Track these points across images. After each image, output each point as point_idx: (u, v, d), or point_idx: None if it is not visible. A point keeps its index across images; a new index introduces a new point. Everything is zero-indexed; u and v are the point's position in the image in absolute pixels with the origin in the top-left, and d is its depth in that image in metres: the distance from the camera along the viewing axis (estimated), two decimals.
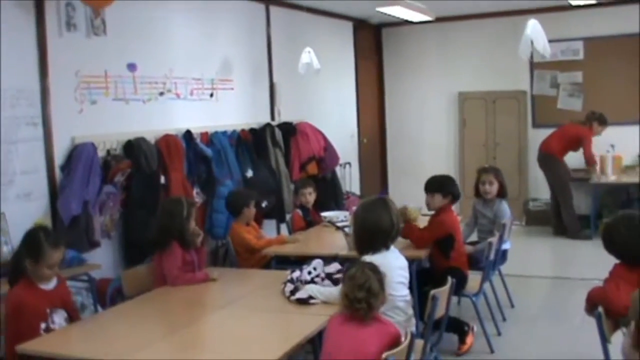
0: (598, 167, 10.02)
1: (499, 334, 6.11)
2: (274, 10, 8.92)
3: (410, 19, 10.46)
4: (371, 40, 11.97)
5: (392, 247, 4.31)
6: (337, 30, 10.84)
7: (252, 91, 8.53)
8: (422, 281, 5.33)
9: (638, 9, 10.44)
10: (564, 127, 10.01)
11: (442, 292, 4.17)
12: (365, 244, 4.25)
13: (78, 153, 5.75)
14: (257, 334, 3.84)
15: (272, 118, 8.81)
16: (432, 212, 5.90)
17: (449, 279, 4.34)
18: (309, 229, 6.84)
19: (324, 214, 6.94)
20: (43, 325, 3.99)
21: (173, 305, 4.48)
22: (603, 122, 9.79)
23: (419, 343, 4.05)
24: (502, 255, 6.57)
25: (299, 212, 7.13)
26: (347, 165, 10.52)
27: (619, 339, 3.18)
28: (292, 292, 4.27)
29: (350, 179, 10.65)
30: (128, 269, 5.49)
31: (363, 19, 11.35)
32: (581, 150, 9.76)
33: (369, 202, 4.45)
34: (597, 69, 10.87)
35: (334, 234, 6.32)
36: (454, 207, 6.05)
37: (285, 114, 8.99)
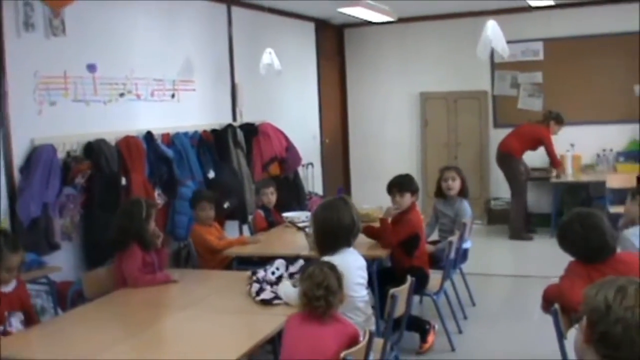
0: (562, 168, 10.13)
1: (460, 332, 6.18)
2: (236, 10, 8.91)
3: (372, 19, 10.48)
4: (333, 40, 12.00)
5: (351, 249, 4.31)
6: (299, 31, 10.86)
7: (214, 92, 8.51)
8: (384, 280, 5.35)
9: (595, 10, 10.63)
10: (521, 127, 10.10)
11: (401, 291, 4.19)
12: (326, 244, 4.26)
13: (37, 155, 5.70)
14: (217, 334, 3.84)
15: (234, 119, 8.80)
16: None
17: (408, 278, 4.37)
18: (270, 230, 6.82)
19: (286, 214, 6.95)
20: (0, 328, 3.95)
21: (134, 307, 4.45)
22: (560, 121, 9.89)
23: (379, 342, 4.07)
24: (463, 254, 6.63)
25: (261, 212, 7.12)
26: (310, 166, 10.55)
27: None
28: (258, 293, 4.27)
29: (312, 180, 10.68)
30: (89, 271, 5.44)
31: (325, 19, 11.38)
32: (541, 149, 9.84)
33: (329, 202, 4.47)
34: (557, 70, 11.01)
35: (295, 234, 6.35)
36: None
37: (247, 115, 8.98)
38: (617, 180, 9.34)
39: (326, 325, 3.44)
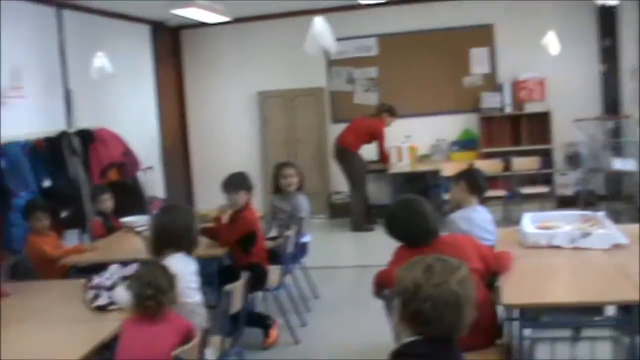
0: (395, 158, 10.44)
1: (304, 324, 6.29)
2: (67, 14, 8.72)
3: (207, 20, 10.45)
4: (170, 42, 11.91)
5: (181, 254, 4.27)
6: (134, 34, 10.74)
7: (46, 98, 8.31)
8: (224, 279, 5.38)
9: (426, 7, 11.09)
10: (356, 121, 10.34)
11: (235, 288, 4.25)
12: (159, 247, 4.27)
13: None
14: (51, 345, 3.77)
15: (69, 125, 8.61)
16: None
17: (242, 274, 4.43)
18: (110, 236, 6.74)
19: (124, 219, 6.88)
20: None
21: None
22: (393, 113, 10.20)
23: (218, 339, 4.11)
24: (303, 248, 6.75)
25: (99, 219, 7.00)
26: (150, 170, 10.43)
27: None
28: (94, 300, 4.23)
29: (153, 183, 10.57)
30: None
31: (160, 21, 11.28)
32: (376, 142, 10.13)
33: (166, 205, 4.50)
34: (391, 64, 11.38)
35: (134, 239, 6.29)
36: None
37: (83, 121, 8.80)
38: (451, 168, 9.66)
39: (159, 324, 3.47)
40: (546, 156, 10.68)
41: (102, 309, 4.12)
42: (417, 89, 11.30)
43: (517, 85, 10.84)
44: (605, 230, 4.89)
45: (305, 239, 6.79)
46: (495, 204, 10.47)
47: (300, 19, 11.06)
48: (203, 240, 5.61)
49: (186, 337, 3.45)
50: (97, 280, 4.45)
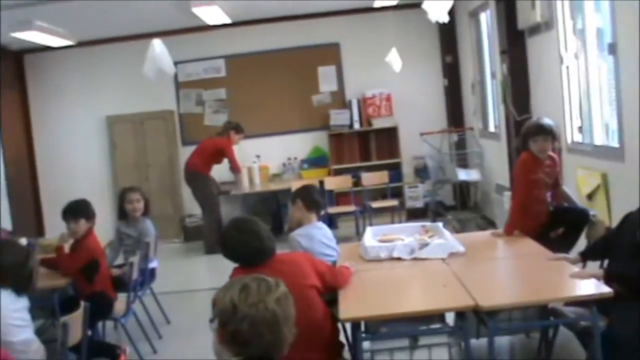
0: (246, 177, 10.41)
1: (155, 351, 6.17)
2: None
3: (50, 44, 10.17)
4: (13, 67, 11.49)
5: (7, 292, 4.01)
6: None
7: None
8: (68, 310, 5.23)
9: (273, 27, 11.23)
10: (203, 142, 10.23)
11: (72, 319, 4.13)
12: None
13: None
14: None
15: None
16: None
17: (82, 304, 4.31)
18: None
19: None
20: None
21: None
22: (240, 130, 10.14)
23: None
24: (151, 274, 6.64)
25: None
26: None
27: None
28: None
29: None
30: None
31: (2, 45, 10.89)
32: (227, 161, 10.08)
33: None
34: (240, 85, 11.42)
35: None
36: None
37: None
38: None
39: None
40: (395, 170, 10.98)
41: None
42: (267, 108, 11.38)
43: (364, 102, 11.08)
44: (442, 240, 5.05)
45: (153, 264, 6.69)
46: (347, 219, 10.70)
47: (146, 41, 10.94)
48: (44, 272, 5.46)
49: None
50: None
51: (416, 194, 11.12)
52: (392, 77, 10.67)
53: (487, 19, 9.67)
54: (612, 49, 5.79)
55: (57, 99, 11.70)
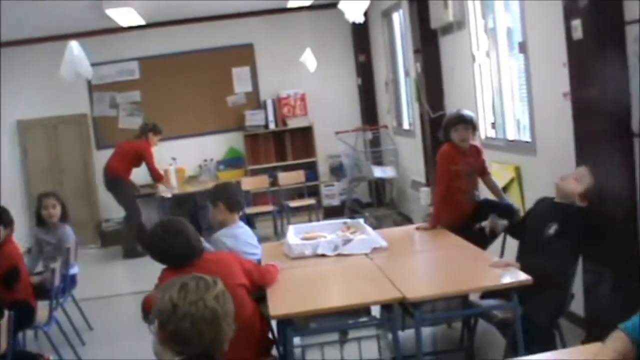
0: (166, 181, 10.32)
1: (79, 358, 6.08)
2: None
3: None
4: None
5: None
6: None
7: None
8: None
9: (187, 28, 11.17)
10: (121, 146, 10.10)
11: None
12: None
13: None
14: None
15: None
16: None
17: (6, 312, 4.25)
18: None
19: None
20: None
21: None
22: (158, 131, 10.05)
23: None
24: (72, 280, 6.55)
25: None
26: None
27: None
28: None
29: None
30: None
31: None
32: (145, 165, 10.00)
33: None
34: (154, 87, 11.33)
35: None
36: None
37: None
38: None
39: None
40: (311, 169, 11.09)
41: None
42: (182, 110, 11.32)
43: (279, 102, 11.14)
44: (365, 236, 5.15)
45: (74, 270, 6.60)
46: (264, 219, 10.74)
47: (58, 44, 10.72)
48: None
49: None
50: None
51: (332, 192, 11.26)
52: (306, 77, 10.78)
53: (400, 19, 9.84)
54: (522, 47, 5.99)
55: None
